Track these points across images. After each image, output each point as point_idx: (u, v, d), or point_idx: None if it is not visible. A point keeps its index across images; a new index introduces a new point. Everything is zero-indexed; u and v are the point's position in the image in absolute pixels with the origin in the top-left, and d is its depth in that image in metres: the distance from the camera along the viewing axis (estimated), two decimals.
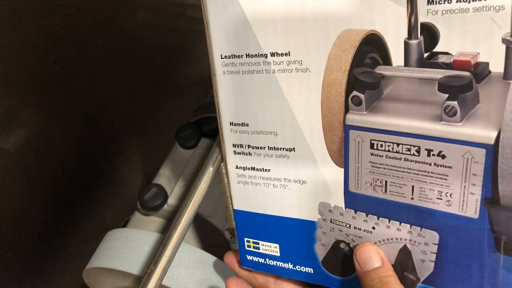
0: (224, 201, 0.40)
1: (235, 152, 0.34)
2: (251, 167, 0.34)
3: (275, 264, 0.36)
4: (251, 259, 0.36)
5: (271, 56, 0.30)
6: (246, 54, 0.30)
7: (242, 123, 0.33)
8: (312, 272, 0.34)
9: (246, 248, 0.36)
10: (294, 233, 0.34)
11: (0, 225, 0.50)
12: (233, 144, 0.34)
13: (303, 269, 0.35)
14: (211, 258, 0.42)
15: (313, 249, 0.34)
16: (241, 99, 0.32)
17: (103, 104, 0.63)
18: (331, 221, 0.32)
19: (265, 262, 0.36)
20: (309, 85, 0.29)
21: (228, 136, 0.34)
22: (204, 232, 0.48)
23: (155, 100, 0.74)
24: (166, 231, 0.34)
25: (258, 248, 0.36)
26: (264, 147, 0.33)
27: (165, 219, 0.49)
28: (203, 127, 0.55)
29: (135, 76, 0.70)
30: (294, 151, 0.32)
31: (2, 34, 0.46)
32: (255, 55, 0.30)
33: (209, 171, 0.35)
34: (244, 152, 0.34)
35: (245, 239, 0.36)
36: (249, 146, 0.33)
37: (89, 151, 0.62)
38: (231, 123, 0.33)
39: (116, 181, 0.68)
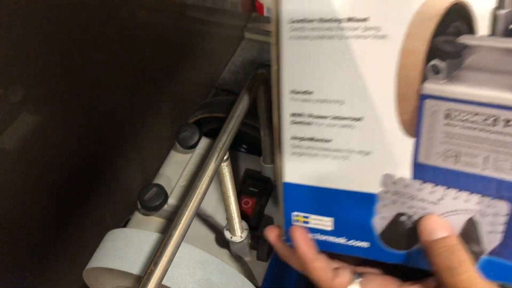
0: (224, 201, 0.40)
1: (293, 122, 0.32)
2: (310, 138, 0.32)
3: (325, 239, 0.34)
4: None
5: (347, 21, 0.28)
6: (319, 18, 0.29)
7: (306, 91, 0.31)
8: (368, 246, 0.33)
9: (294, 223, 0.35)
10: (351, 206, 0.33)
11: (0, 225, 0.50)
12: (292, 113, 0.32)
13: (358, 243, 0.34)
14: (211, 258, 0.42)
15: (371, 222, 0.33)
16: (307, 66, 0.31)
17: (103, 104, 0.63)
18: (394, 193, 0.31)
19: (314, 237, 0.35)
20: (385, 53, 0.28)
21: (288, 105, 0.32)
22: (204, 232, 0.48)
23: (155, 100, 0.74)
24: (166, 231, 0.34)
25: (308, 223, 0.34)
26: (328, 117, 0.31)
27: (165, 219, 0.49)
28: (203, 127, 0.55)
29: (135, 76, 0.70)
30: (361, 120, 0.30)
31: (2, 34, 0.46)
32: (329, 20, 0.29)
33: (209, 171, 0.35)
34: (303, 122, 0.32)
35: (294, 213, 0.35)
36: (310, 115, 0.32)
37: (89, 151, 0.62)
38: (292, 91, 0.32)
39: (116, 181, 0.68)
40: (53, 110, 0.55)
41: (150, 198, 0.46)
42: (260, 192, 0.49)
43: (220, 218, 0.47)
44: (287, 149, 0.33)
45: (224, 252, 0.46)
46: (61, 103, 0.56)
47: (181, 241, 0.34)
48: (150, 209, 0.47)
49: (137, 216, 0.50)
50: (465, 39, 0.27)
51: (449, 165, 0.29)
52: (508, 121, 0.27)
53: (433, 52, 0.28)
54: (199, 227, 0.48)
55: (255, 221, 0.47)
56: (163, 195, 0.47)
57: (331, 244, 0.34)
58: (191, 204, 0.34)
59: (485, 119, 0.27)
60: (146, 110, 0.72)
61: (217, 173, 0.37)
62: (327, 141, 0.32)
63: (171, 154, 0.54)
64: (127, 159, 0.70)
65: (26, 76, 0.50)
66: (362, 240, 0.33)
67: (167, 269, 0.33)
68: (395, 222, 0.32)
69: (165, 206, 0.47)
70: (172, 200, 0.48)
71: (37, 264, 0.56)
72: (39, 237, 0.56)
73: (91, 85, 0.60)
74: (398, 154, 0.30)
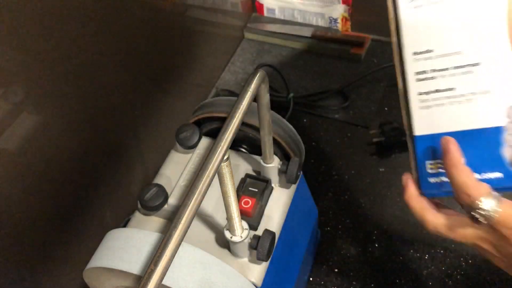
0: (224, 200, 0.40)
1: (418, 80, 0.38)
2: (435, 90, 0.37)
3: None
4: (434, 181, 0.39)
5: None
6: None
7: (426, 50, 0.37)
8: (501, 176, 0.37)
9: (429, 171, 0.39)
10: (480, 143, 0.37)
11: (0, 225, 0.50)
12: (416, 72, 0.38)
13: (491, 175, 0.37)
14: (212, 258, 0.42)
15: (501, 153, 0.37)
16: (424, 29, 0.37)
17: (103, 104, 0.63)
18: None
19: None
20: (495, 4, 0.34)
21: (411, 65, 0.38)
22: (204, 232, 0.48)
23: (155, 100, 0.74)
24: (166, 231, 0.34)
25: (442, 167, 0.38)
26: (449, 68, 0.37)
27: (166, 219, 0.49)
28: (203, 127, 0.55)
29: (135, 76, 0.70)
30: (479, 65, 0.36)
31: (3, 34, 0.46)
32: None
33: (209, 171, 0.35)
34: (427, 77, 0.37)
35: (427, 162, 0.39)
36: (433, 70, 0.37)
37: (89, 151, 0.62)
38: (414, 53, 0.38)
39: (116, 181, 0.68)
40: (53, 110, 0.55)
41: (150, 198, 0.46)
42: (260, 192, 0.49)
43: (220, 218, 0.47)
44: (415, 104, 0.39)
45: (224, 252, 0.46)
46: (62, 103, 0.56)
47: (181, 241, 0.34)
48: (150, 209, 0.47)
49: (138, 216, 0.50)
50: None
51: None
52: None
53: None
54: (199, 227, 0.48)
55: (255, 221, 0.47)
56: (163, 195, 0.47)
57: None
58: (191, 204, 0.34)
59: None
60: (146, 110, 0.73)
61: (217, 173, 0.37)
62: (451, 89, 0.37)
63: (171, 154, 0.54)
64: (128, 159, 0.70)
65: (27, 76, 0.50)
66: (494, 171, 0.37)
67: (167, 269, 0.33)
68: None
69: (165, 206, 0.47)
70: (172, 200, 0.48)
71: (37, 264, 0.56)
72: (39, 237, 0.56)
73: (92, 85, 0.60)
74: None
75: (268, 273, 0.46)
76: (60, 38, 0.53)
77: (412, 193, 0.41)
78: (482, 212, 0.36)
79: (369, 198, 0.73)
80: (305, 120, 0.85)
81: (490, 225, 0.37)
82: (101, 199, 0.65)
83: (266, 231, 0.44)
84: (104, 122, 0.64)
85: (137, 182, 0.73)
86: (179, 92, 0.80)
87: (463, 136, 0.37)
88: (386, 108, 0.84)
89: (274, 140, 0.50)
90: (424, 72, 0.38)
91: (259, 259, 0.44)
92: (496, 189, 0.36)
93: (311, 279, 0.66)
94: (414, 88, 0.38)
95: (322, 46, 0.95)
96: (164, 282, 0.38)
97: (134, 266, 0.41)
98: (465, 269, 0.64)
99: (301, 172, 0.52)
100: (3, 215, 0.50)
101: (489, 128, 0.37)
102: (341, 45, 0.94)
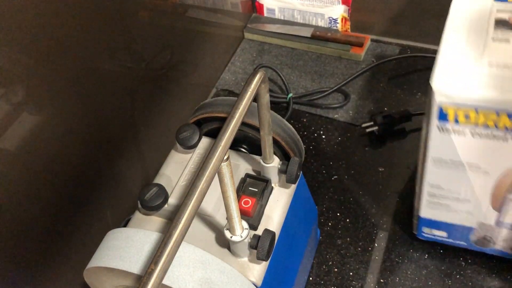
0: (224, 200, 0.40)
1: (429, 194, 0.58)
2: (438, 202, 0.58)
3: (442, 239, 0.64)
4: (426, 235, 0.65)
5: (468, 164, 0.52)
6: (450, 161, 0.52)
7: (438, 186, 0.56)
8: (464, 244, 0.63)
9: (424, 231, 0.64)
10: (460, 229, 0.61)
11: (0, 225, 0.50)
12: (429, 192, 0.57)
13: (458, 242, 0.63)
14: (212, 258, 0.42)
15: (469, 237, 0.61)
16: (440, 176, 0.55)
17: (103, 104, 0.64)
18: (484, 228, 0.59)
19: (434, 237, 0.65)
20: (486, 180, 0.52)
21: (426, 189, 0.57)
22: (204, 231, 0.48)
23: (155, 100, 0.74)
24: (166, 231, 0.34)
25: (432, 231, 0.64)
26: (449, 197, 0.57)
27: (166, 219, 0.49)
28: (203, 127, 0.55)
29: (135, 76, 0.70)
30: (469, 201, 0.56)
31: (3, 33, 0.46)
32: (457, 162, 0.52)
33: (209, 171, 0.35)
34: (435, 195, 0.58)
35: (423, 227, 0.64)
36: (440, 195, 0.57)
37: (89, 151, 0.62)
38: (431, 185, 0.56)
39: (116, 181, 0.68)
40: (53, 110, 0.55)
41: (150, 198, 0.46)
42: (260, 192, 0.49)
43: (220, 218, 0.48)
44: (424, 205, 0.60)
45: (224, 251, 0.46)
46: (62, 104, 0.56)
47: (181, 241, 0.34)
48: (150, 208, 0.47)
49: (138, 216, 0.50)
50: None
51: None
52: None
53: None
54: (199, 227, 0.48)
55: (255, 221, 0.47)
56: (164, 195, 0.47)
57: (447, 240, 0.65)
58: (191, 203, 0.34)
59: None
60: (146, 110, 0.73)
61: (217, 173, 0.37)
62: (448, 205, 0.58)
63: (171, 154, 0.54)
64: (128, 159, 0.70)
65: (27, 75, 0.50)
66: (461, 241, 0.63)
67: (168, 269, 0.33)
68: (483, 238, 0.61)
69: (166, 205, 0.48)
70: (172, 200, 0.48)
71: (37, 264, 0.56)
72: (39, 236, 0.56)
73: (92, 85, 0.60)
74: (489, 216, 0.57)
75: (268, 273, 0.46)
76: (60, 38, 0.53)
77: None
78: None
79: (369, 197, 0.73)
80: (305, 120, 0.85)
81: None
82: (101, 199, 0.65)
83: (266, 230, 0.44)
84: (104, 122, 0.64)
85: (137, 182, 0.73)
86: (179, 92, 0.80)
87: (450, 225, 0.61)
88: (386, 108, 0.84)
89: (274, 140, 0.50)
90: (434, 194, 0.57)
91: (259, 258, 0.44)
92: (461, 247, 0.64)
93: (311, 279, 0.66)
94: (426, 197, 0.59)
95: (322, 46, 0.95)
96: (164, 281, 0.38)
97: (134, 265, 0.41)
98: (465, 269, 0.64)
99: (301, 172, 0.52)
100: (3, 215, 0.50)
101: (468, 225, 0.60)
102: (341, 45, 0.94)
